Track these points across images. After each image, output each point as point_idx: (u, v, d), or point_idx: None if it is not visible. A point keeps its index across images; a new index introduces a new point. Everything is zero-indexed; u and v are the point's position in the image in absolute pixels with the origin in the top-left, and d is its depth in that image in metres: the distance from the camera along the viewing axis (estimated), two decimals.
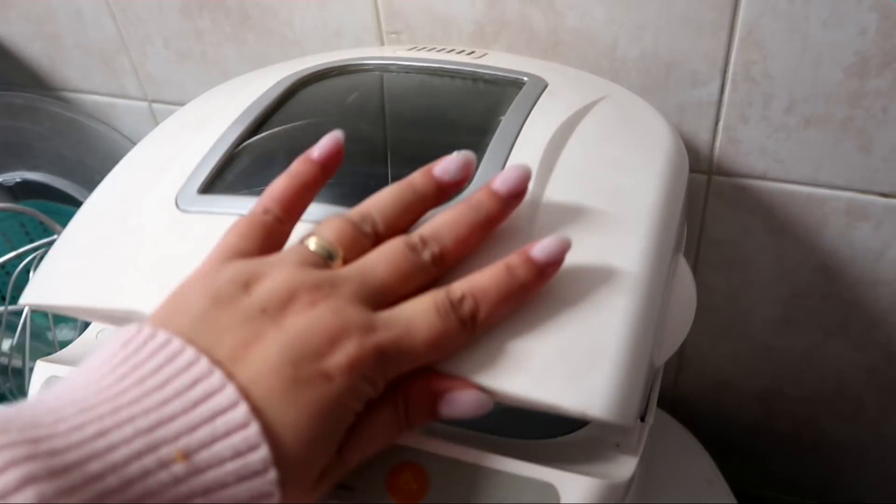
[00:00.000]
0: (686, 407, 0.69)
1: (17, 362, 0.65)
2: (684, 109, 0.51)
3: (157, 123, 0.68)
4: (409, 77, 0.47)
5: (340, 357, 0.26)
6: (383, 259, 0.29)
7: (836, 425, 0.66)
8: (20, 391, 0.64)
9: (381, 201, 0.31)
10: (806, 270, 0.56)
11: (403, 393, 0.28)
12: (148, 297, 0.33)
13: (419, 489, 0.30)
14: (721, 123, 0.51)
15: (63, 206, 0.68)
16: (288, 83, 0.44)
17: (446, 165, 0.32)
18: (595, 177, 0.37)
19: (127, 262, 0.36)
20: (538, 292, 0.30)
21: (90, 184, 0.64)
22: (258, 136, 0.41)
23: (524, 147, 0.37)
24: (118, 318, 0.35)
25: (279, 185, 0.32)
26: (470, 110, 0.44)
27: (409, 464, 0.31)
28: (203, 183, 0.38)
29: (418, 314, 0.28)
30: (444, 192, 0.32)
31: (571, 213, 0.35)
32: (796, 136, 0.50)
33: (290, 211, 0.31)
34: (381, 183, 0.38)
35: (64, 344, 0.69)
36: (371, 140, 0.42)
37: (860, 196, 0.51)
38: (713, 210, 0.55)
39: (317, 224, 0.31)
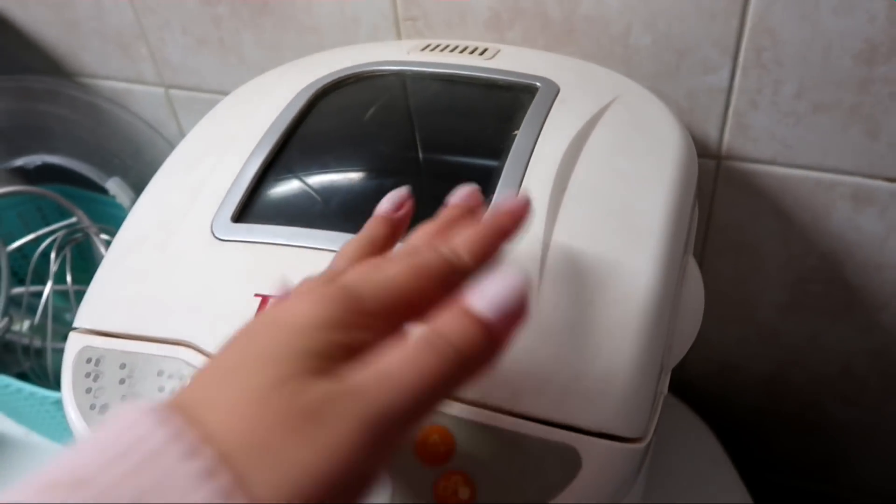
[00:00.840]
0: (692, 389, 0.70)
1: (37, 342, 0.66)
2: (695, 95, 0.52)
3: (172, 109, 0.69)
4: (424, 85, 0.48)
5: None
6: (387, 265, 0.26)
7: (840, 408, 0.67)
8: (42, 370, 0.65)
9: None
10: (812, 255, 0.57)
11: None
12: (194, 327, 0.36)
13: (446, 452, 0.32)
14: (731, 109, 0.52)
15: (82, 190, 0.69)
16: (307, 95, 0.46)
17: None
18: (606, 195, 0.39)
19: (171, 290, 0.38)
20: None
21: (109, 167, 0.66)
22: (283, 156, 0.43)
23: (538, 167, 0.39)
24: (168, 343, 0.37)
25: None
26: (485, 122, 0.45)
27: (436, 428, 0.32)
28: (235, 210, 0.40)
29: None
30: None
31: (585, 237, 0.37)
32: (805, 121, 0.51)
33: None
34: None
35: None
36: (391, 156, 0.43)
37: (866, 181, 0.52)
38: (721, 195, 0.57)
39: None
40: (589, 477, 0.31)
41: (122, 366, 0.37)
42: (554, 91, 0.44)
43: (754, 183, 0.55)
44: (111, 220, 0.67)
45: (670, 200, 0.39)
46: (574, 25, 0.52)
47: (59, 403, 0.57)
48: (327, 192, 0.41)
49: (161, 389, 0.35)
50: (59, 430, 0.63)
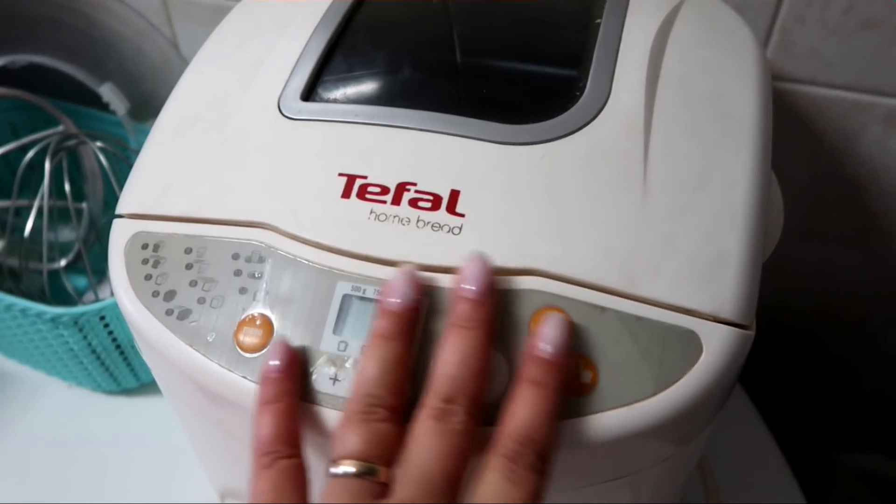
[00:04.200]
0: None
1: (13, 262, 0.61)
2: (743, 9, 0.51)
3: (167, 16, 0.64)
4: None
5: None
6: (425, 453, 0.27)
7: (839, 338, 0.69)
8: (18, 290, 0.60)
9: (368, 374, 0.29)
10: (836, 179, 0.58)
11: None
12: (270, 207, 0.33)
13: None
14: (777, 24, 0.51)
15: (70, 104, 0.62)
16: None
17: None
18: (696, 84, 0.38)
19: (237, 170, 0.35)
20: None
21: (102, 71, 0.60)
22: (345, 39, 0.40)
23: (628, 54, 0.38)
24: (239, 225, 0.33)
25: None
26: (562, 9, 0.43)
27: (552, 310, 0.30)
28: (304, 89, 0.37)
29: (498, 496, 0.26)
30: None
31: (682, 125, 0.35)
32: (851, 39, 0.50)
33: None
34: (487, 78, 0.38)
35: (65, 247, 0.65)
36: (463, 36, 0.41)
37: None
38: None
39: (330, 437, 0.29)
40: (710, 363, 0.30)
41: (188, 250, 0.33)
42: None
43: (788, 103, 0.55)
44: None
45: (758, 92, 0.38)
46: None
47: (55, 321, 0.53)
48: (396, 73, 0.39)
49: (238, 273, 0.32)
50: (50, 358, 0.58)
